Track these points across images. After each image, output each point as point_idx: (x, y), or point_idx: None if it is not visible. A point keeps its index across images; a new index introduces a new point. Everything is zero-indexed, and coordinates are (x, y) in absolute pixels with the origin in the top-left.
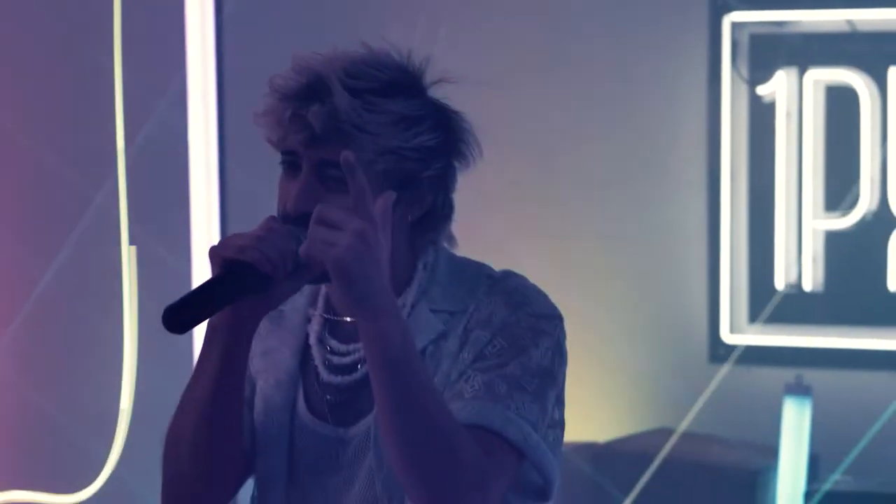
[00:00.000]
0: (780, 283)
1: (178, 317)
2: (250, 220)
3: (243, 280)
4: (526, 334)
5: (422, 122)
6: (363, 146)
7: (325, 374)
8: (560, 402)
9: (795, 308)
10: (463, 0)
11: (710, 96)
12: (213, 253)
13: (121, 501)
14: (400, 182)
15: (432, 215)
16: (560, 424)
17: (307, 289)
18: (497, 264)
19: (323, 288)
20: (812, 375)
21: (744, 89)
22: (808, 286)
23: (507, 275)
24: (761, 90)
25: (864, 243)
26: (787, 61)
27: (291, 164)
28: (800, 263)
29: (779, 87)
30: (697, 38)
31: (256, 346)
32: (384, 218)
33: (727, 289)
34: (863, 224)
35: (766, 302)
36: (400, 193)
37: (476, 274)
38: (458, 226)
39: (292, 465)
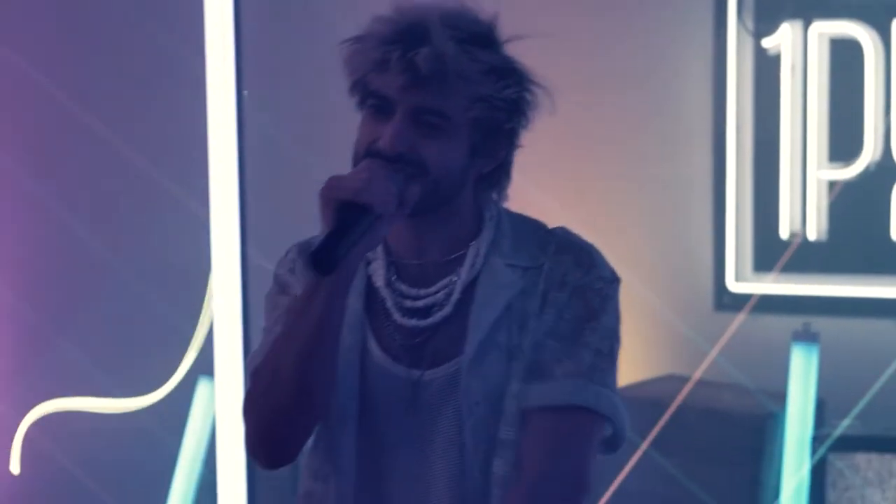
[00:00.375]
0: (784, 232)
1: (326, 260)
2: None
3: (361, 221)
4: (596, 299)
5: (509, 75)
6: (460, 92)
7: (398, 317)
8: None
9: (800, 257)
10: None
11: (715, 49)
12: (328, 197)
13: None
14: (486, 132)
15: (501, 169)
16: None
17: None
18: None
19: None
20: (817, 323)
21: (749, 42)
22: (812, 236)
23: (566, 232)
24: (766, 43)
25: (867, 193)
26: (792, 14)
27: (380, 107)
28: (804, 213)
29: (784, 39)
30: None
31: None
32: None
33: (732, 238)
34: (866, 174)
35: (771, 251)
36: (481, 144)
37: (538, 230)
38: None
39: (364, 406)
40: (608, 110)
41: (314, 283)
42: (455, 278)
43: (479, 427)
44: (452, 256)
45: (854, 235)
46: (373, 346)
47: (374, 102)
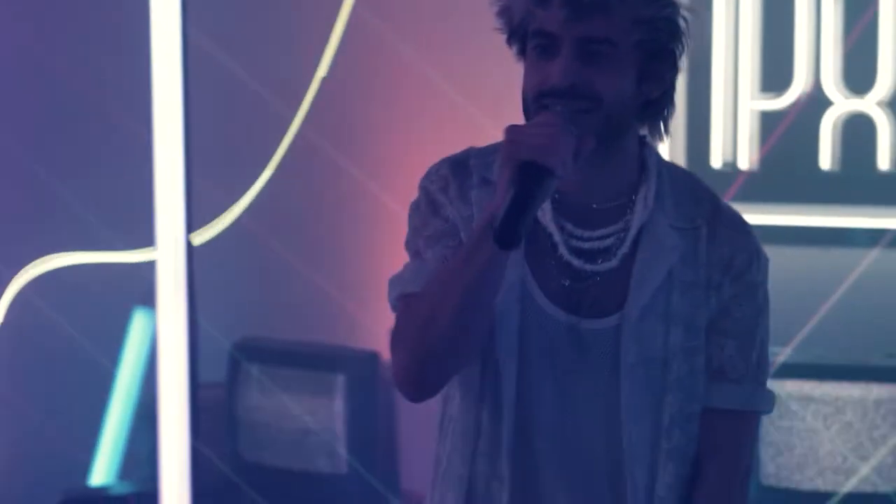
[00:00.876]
0: (716, 161)
1: (512, 233)
2: None
3: (541, 180)
4: (761, 292)
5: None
6: (623, 16)
7: (566, 254)
8: None
9: (732, 186)
10: None
11: None
12: (513, 154)
13: None
14: (651, 55)
15: (666, 98)
16: None
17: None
18: None
19: None
20: None
21: None
22: (744, 165)
23: (717, 197)
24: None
25: (798, 123)
26: None
27: (545, 46)
28: (736, 143)
29: None
30: None
31: (467, 214)
32: None
33: None
34: (797, 104)
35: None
36: (647, 68)
37: (694, 185)
38: None
39: (523, 344)
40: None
41: (479, 235)
42: (623, 229)
43: (635, 392)
44: (618, 203)
45: (785, 165)
46: (531, 285)
47: (538, 42)
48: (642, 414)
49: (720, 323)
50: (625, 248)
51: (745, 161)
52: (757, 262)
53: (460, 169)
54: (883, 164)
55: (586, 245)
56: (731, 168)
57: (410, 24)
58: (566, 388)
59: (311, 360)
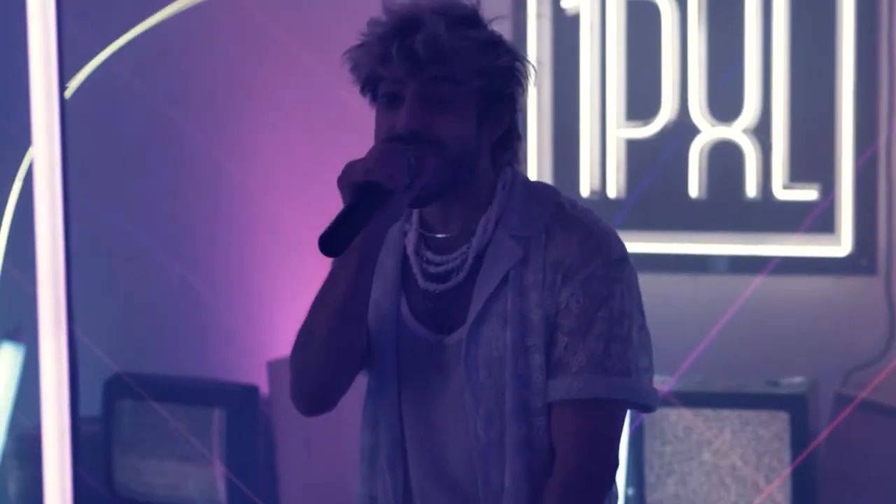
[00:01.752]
0: (585, 189)
1: (331, 243)
2: None
3: (373, 199)
4: (602, 286)
5: (498, 47)
6: (460, 68)
7: (422, 282)
8: (643, 329)
9: (600, 214)
10: None
11: (514, 9)
12: (343, 182)
13: None
14: (489, 100)
15: (509, 136)
16: (647, 349)
17: None
18: None
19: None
20: None
21: (548, 2)
22: (612, 193)
23: (574, 205)
24: (565, 3)
25: (665, 151)
26: None
27: (391, 95)
28: (604, 171)
29: (583, 1)
30: None
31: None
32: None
33: None
34: (664, 132)
35: None
36: (487, 112)
37: (547, 198)
38: None
39: (401, 365)
40: None
41: (344, 256)
42: (468, 247)
43: (477, 391)
44: (467, 228)
45: (653, 193)
46: (405, 309)
47: (385, 91)
48: (487, 411)
49: (560, 320)
50: (469, 261)
51: (614, 189)
52: (596, 258)
53: None
54: (750, 191)
55: (439, 269)
56: (599, 196)
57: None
58: (434, 400)
59: (188, 395)
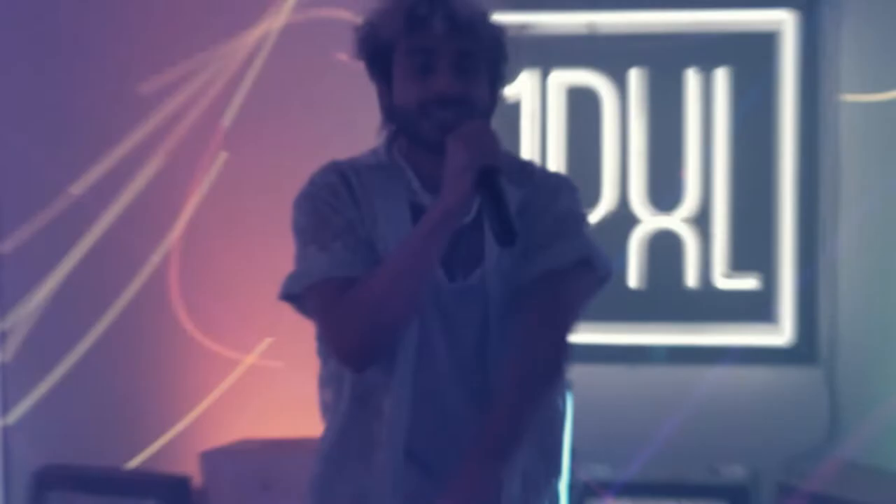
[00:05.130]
0: None
1: (514, 231)
2: None
3: (499, 178)
4: (568, 201)
5: (494, 22)
6: (484, 36)
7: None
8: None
9: None
10: None
11: None
12: (477, 162)
13: None
14: (495, 69)
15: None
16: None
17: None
18: None
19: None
20: None
21: None
22: None
23: (535, 164)
24: (506, 91)
25: (605, 241)
26: (531, 63)
27: (423, 63)
28: None
29: (523, 88)
30: None
31: (366, 195)
32: None
33: None
34: (604, 221)
35: None
36: (493, 80)
37: (523, 161)
38: None
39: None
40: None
41: (440, 224)
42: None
43: (500, 318)
44: None
45: None
46: None
47: (416, 60)
48: (500, 319)
49: (538, 227)
50: (475, 207)
51: None
52: (561, 193)
53: (341, 178)
54: (690, 280)
55: None
56: None
57: None
58: (439, 333)
59: (119, 487)
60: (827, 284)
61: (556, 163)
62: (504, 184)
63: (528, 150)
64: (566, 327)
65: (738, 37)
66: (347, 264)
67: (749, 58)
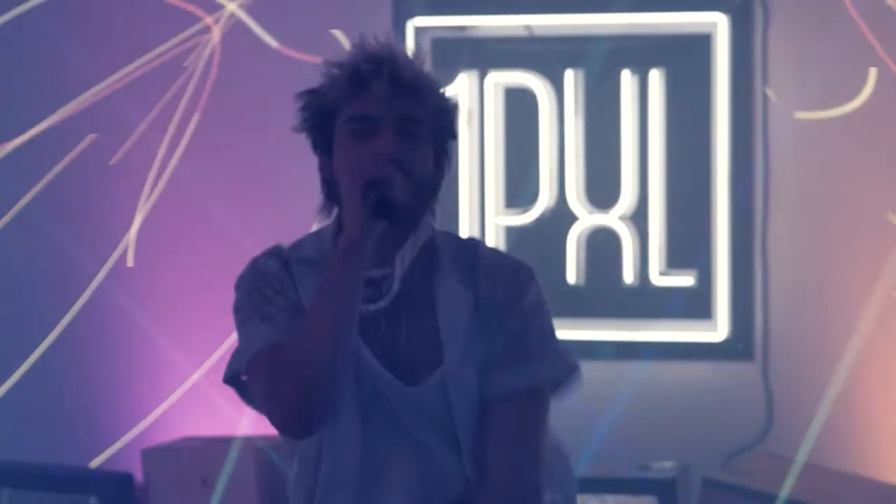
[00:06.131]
0: None
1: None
2: None
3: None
4: (530, 302)
5: (443, 92)
6: (429, 103)
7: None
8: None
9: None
10: None
11: None
12: (359, 178)
13: None
14: (443, 139)
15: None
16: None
17: (324, 246)
18: None
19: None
20: None
21: None
22: None
23: (484, 247)
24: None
25: (543, 238)
26: (469, 64)
27: (363, 129)
28: None
29: (461, 89)
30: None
31: (301, 284)
32: None
33: None
34: (542, 219)
35: None
36: (439, 153)
37: (466, 247)
38: None
39: (363, 402)
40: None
41: (342, 261)
42: (386, 273)
43: (467, 430)
44: (389, 258)
45: None
46: (361, 346)
47: (356, 126)
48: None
49: (503, 337)
50: (392, 292)
51: None
52: (517, 293)
53: (283, 265)
54: (627, 277)
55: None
56: None
57: None
58: (387, 435)
59: (62, 483)
60: (762, 280)
61: (492, 160)
62: (399, 196)
63: (465, 150)
64: (540, 454)
65: (672, 39)
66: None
67: (683, 59)
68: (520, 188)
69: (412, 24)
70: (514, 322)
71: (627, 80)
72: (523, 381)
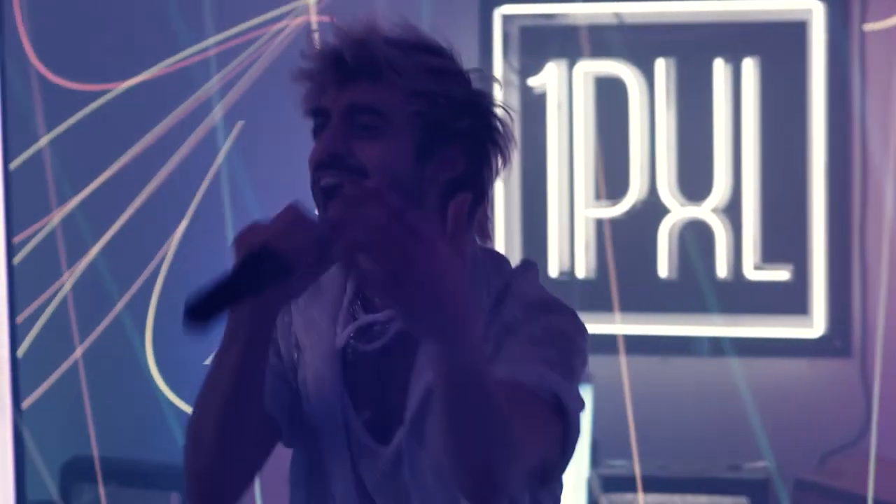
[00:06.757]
0: (553, 270)
1: (199, 312)
2: None
3: (267, 271)
4: (523, 311)
5: (455, 77)
6: (394, 86)
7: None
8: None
9: (569, 295)
10: None
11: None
12: (237, 243)
13: None
14: (431, 131)
15: (468, 187)
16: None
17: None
18: None
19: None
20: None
21: (515, 81)
22: (581, 273)
23: (523, 282)
24: (532, 82)
25: (634, 231)
26: (558, 53)
27: (320, 124)
28: (572, 251)
29: (549, 78)
30: (468, 31)
31: (298, 319)
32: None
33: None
34: (633, 212)
35: None
36: (429, 146)
37: (496, 273)
38: None
39: (350, 436)
40: None
41: (228, 338)
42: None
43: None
44: None
45: (622, 273)
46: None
47: (317, 122)
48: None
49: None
50: (388, 334)
51: (583, 269)
52: (540, 313)
53: None
54: (721, 271)
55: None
56: (568, 277)
57: None
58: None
59: (145, 479)
60: (860, 274)
61: (582, 152)
62: (270, 276)
63: (554, 141)
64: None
65: (766, 26)
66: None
67: (777, 47)
68: (610, 180)
69: (499, 13)
70: (525, 332)
71: (720, 68)
72: (501, 371)
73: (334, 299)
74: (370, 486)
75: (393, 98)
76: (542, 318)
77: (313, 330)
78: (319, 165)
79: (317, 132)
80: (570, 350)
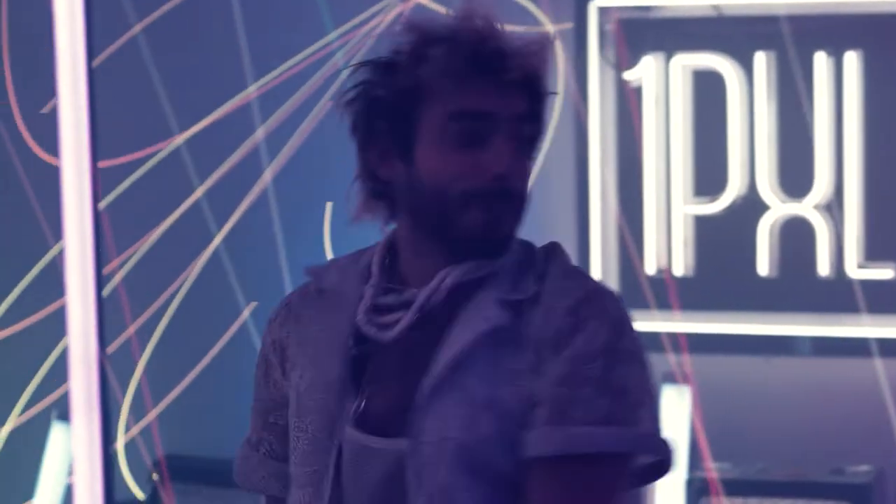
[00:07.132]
0: (651, 268)
1: None
2: None
3: None
4: (608, 355)
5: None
6: (544, 95)
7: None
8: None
9: (666, 293)
10: None
11: (577, 82)
12: None
13: None
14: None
15: None
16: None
17: (358, 267)
18: None
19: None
20: (684, 361)
21: (611, 75)
22: (678, 271)
23: (567, 266)
24: (628, 75)
25: (733, 228)
26: (654, 46)
27: (472, 130)
28: (670, 248)
29: (646, 72)
30: (564, 24)
31: (292, 336)
32: None
33: (598, 275)
34: (732, 208)
35: (637, 287)
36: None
37: (538, 258)
38: None
39: (350, 436)
40: None
41: None
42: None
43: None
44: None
45: (720, 271)
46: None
47: (463, 126)
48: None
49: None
50: (406, 318)
51: (680, 267)
52: (573, 317)
53: (280, 321)
54: (822, 269)
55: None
56: (665, 274)
57: None
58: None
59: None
60: None
61: (679, 148)
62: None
63: (650, 137)
64: None
65: (869, 18)
66: (242, 474)
67: (881, 40)
68: (708, 175)
69: (595, 5)
70: (561, 367)
71: (822, 62)
72: (561, 442)
73: (345, 315)
74: (371, 485)
75: (544, 108)
76: (576, 339)
77: (313, 349)
78: (492, 192)
79: (465, 140)
80: (612, 383)
